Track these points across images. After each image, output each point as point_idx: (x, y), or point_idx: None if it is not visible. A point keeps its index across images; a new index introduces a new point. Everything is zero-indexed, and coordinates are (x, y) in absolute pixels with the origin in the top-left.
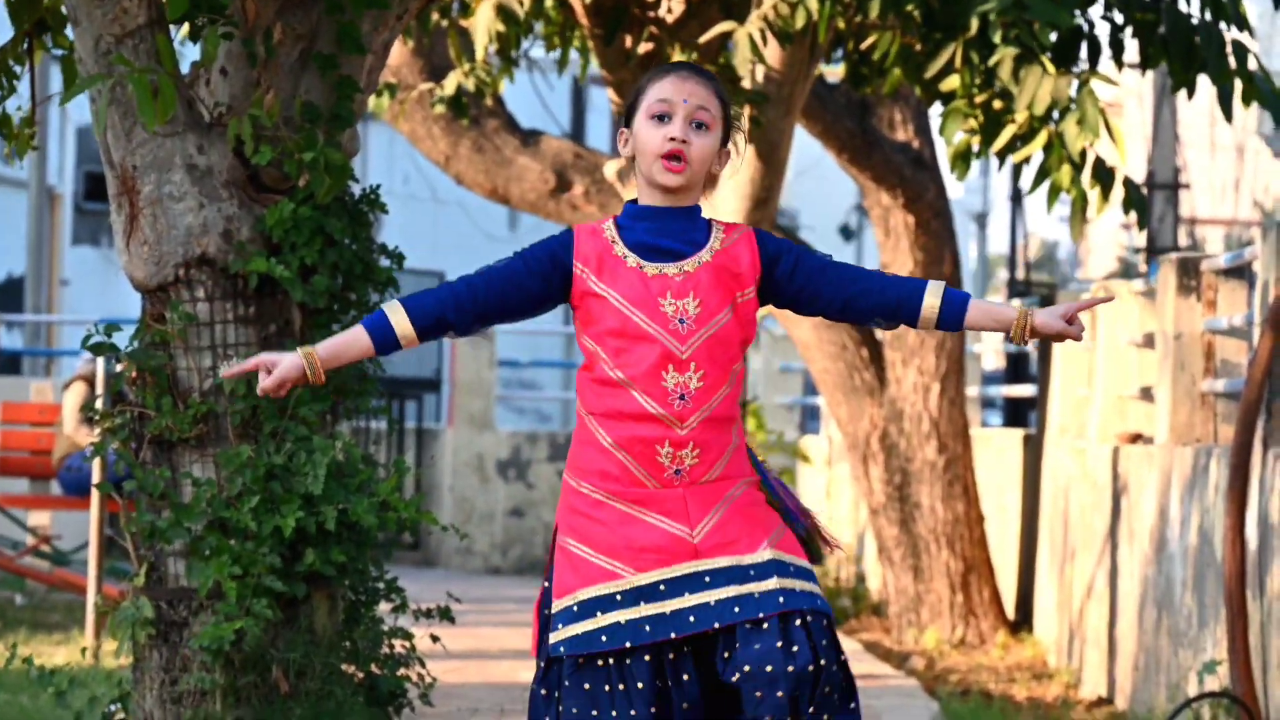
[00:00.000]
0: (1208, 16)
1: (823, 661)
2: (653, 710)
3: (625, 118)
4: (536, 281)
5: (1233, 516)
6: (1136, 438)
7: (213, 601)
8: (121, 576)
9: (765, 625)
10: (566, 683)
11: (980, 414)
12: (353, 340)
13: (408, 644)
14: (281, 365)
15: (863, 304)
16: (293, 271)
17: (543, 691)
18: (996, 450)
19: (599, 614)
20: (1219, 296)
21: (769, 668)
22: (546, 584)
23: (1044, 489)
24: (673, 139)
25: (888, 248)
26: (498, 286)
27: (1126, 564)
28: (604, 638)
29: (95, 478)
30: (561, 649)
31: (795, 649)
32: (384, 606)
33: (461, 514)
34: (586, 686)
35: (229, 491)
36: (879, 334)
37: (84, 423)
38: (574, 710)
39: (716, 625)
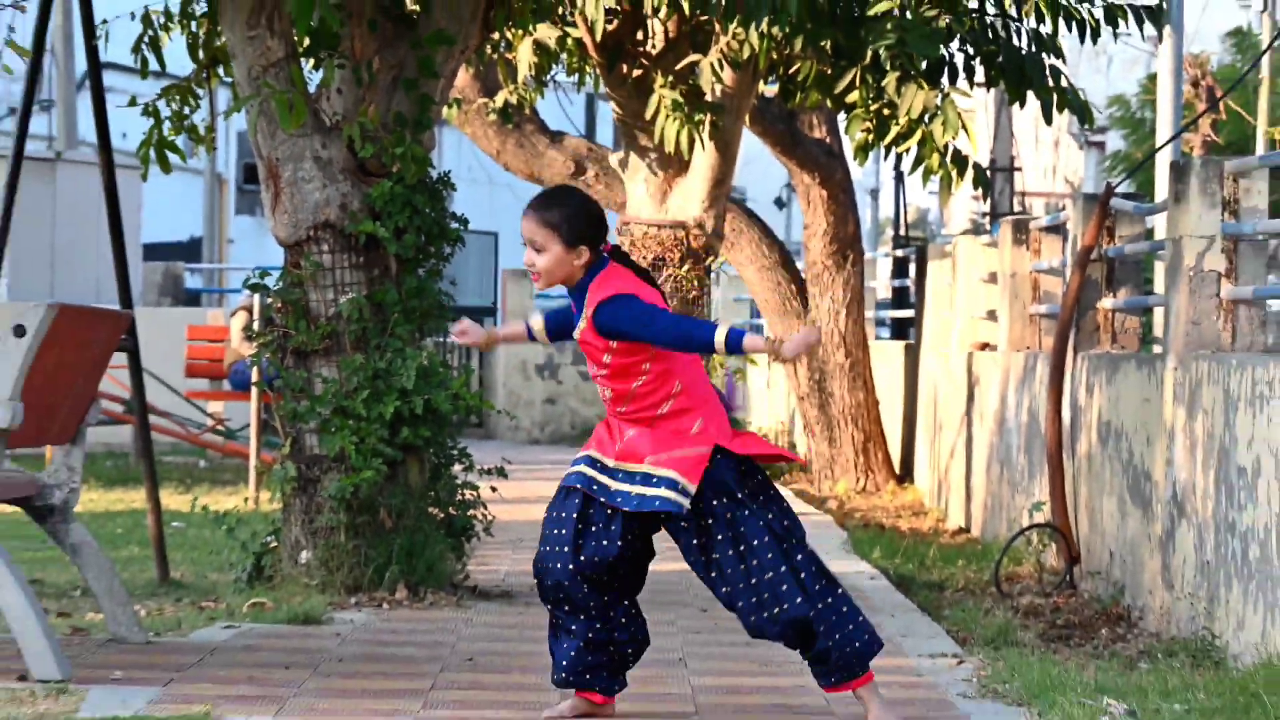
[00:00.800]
0: (1033, 49)
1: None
2: (568, 535)
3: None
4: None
5: (1052, 401)
6: (985, 346)
7: (337, 464)
8: (273, 447)
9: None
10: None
11: (875, 330)
12: (514, 331)
13: (474, 493)
14: (471, 333)
15: (666, 343)
16: (389, 232)
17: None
18: (887, 356)
19: (575, 466)
20: (1042, 247)
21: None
22: None
23: (920, 383)
24: (528, 264)
25: (809, 214)
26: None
27: (978, 435)
28: (568, 478)
29: (254, 378)
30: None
31: (619, 542)
32: (457, 467)
33: (511, 402)
34: (551, 510)
35: (347, 387)
36: (803, 272)
37: (245, 339)
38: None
39: (602, 499)
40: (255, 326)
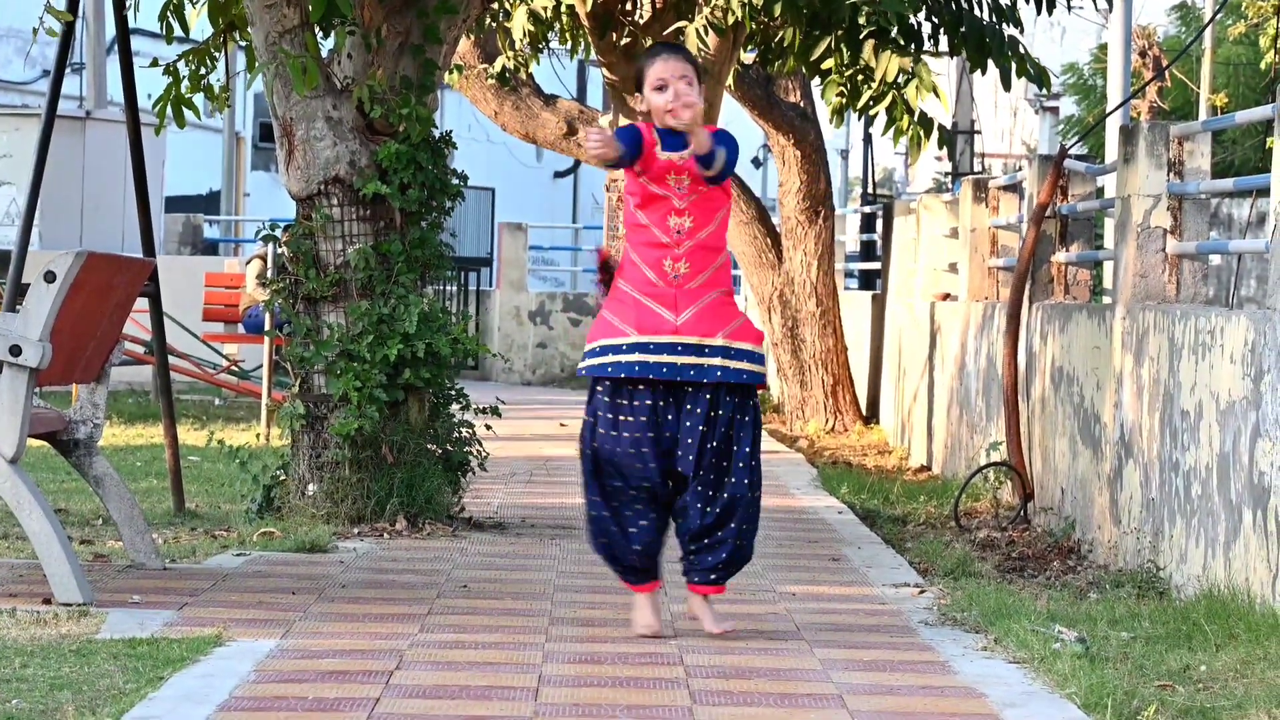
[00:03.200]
0: (993, 19)
1: (716, 439)
2: (645, 421)
3: (638, 86)
4: (634, 141)
5: (1009, 348)
6: (946, 296)
7: (343, 403)
8: (284, 387)
9: (705, 393)
10: (600, 411)
11: (844, 281)
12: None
13: (470, 431)
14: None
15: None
16: (395, 188)
17: (588, 417)
18: (855, 305)
19: (609, 355)
20: (1000, 204)
21: (701, 426)
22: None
23: (886, 330)
24: (670, 101)
25: (784, 172)
26: (636, 136)
27: (940, 379)
28: (609, 369)
29: (266, 323)
30: (582, 372)
31: (716, 413)
32: (455, 407)
33: (505, 346)
34: (608, 398)
35: (353, 331)
36: (778, 227)
37: (259, 286)
38: (599, 411)
39: (678, 379)
40: (269, 274)
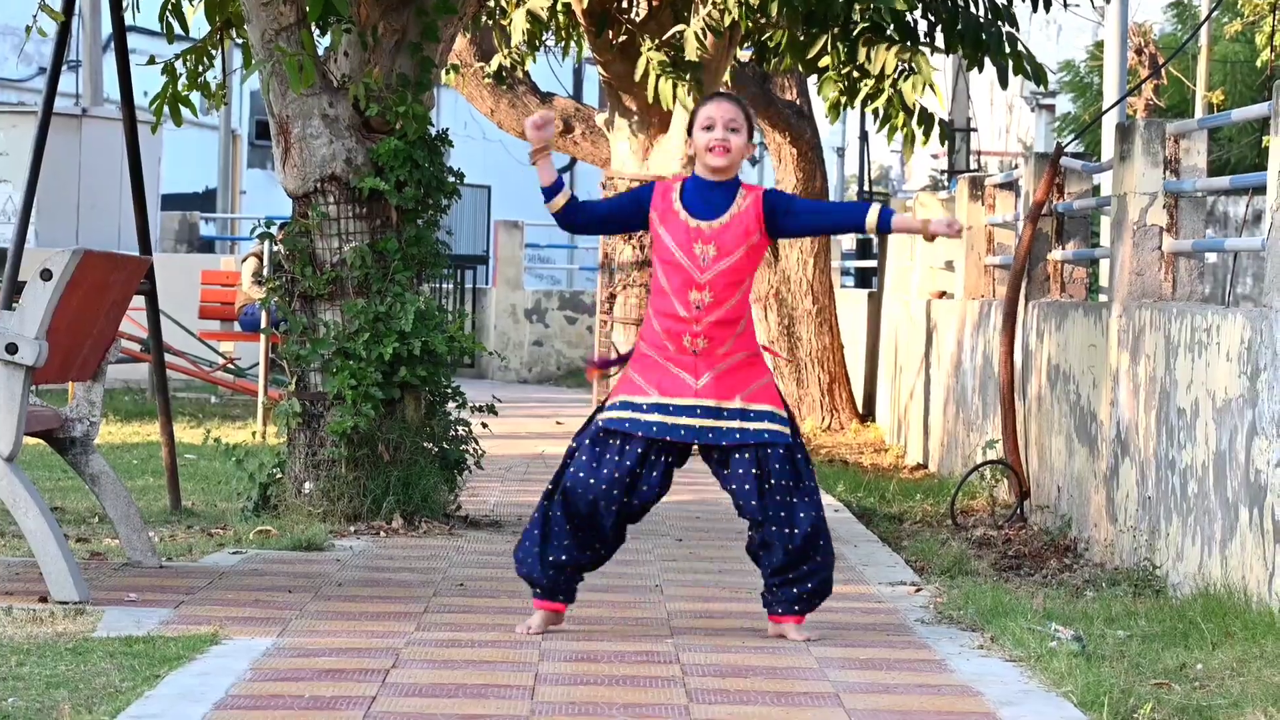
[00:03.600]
0: (990, 17)
1: (775, 482)
2: (627, 466)
3: (689, 129)
4: (632, 210)
5: (1005, 346)
6: (942, 295)
7: (338, 401)
8: (280, 385)
9: (735, 454)
10: (586, 442)
11: (840, 279)
12: (551, 171)
13: (466, 429)
14: (545, 130)
15: (827, 226)
16: (391, 185)
17: (572, 446)
18: (851, 303)
19: (629, 411)
20: (997, 202)
21: (732, 485)
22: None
23: (882, 328)
24: (716, 140)
25: (779, 170)
26: (615, 205)
27: (936, 377)
28: (627, 425)
29: (262, 321)
30: (600, 423)
31: (741, 471)
32: (451, 405)
33: (501, 344)
34: (597, 448)
35: (349, 329)
36: None
37: (255, 284)
38: (583, 459)
39: (696, 441)
40: (265, 272)
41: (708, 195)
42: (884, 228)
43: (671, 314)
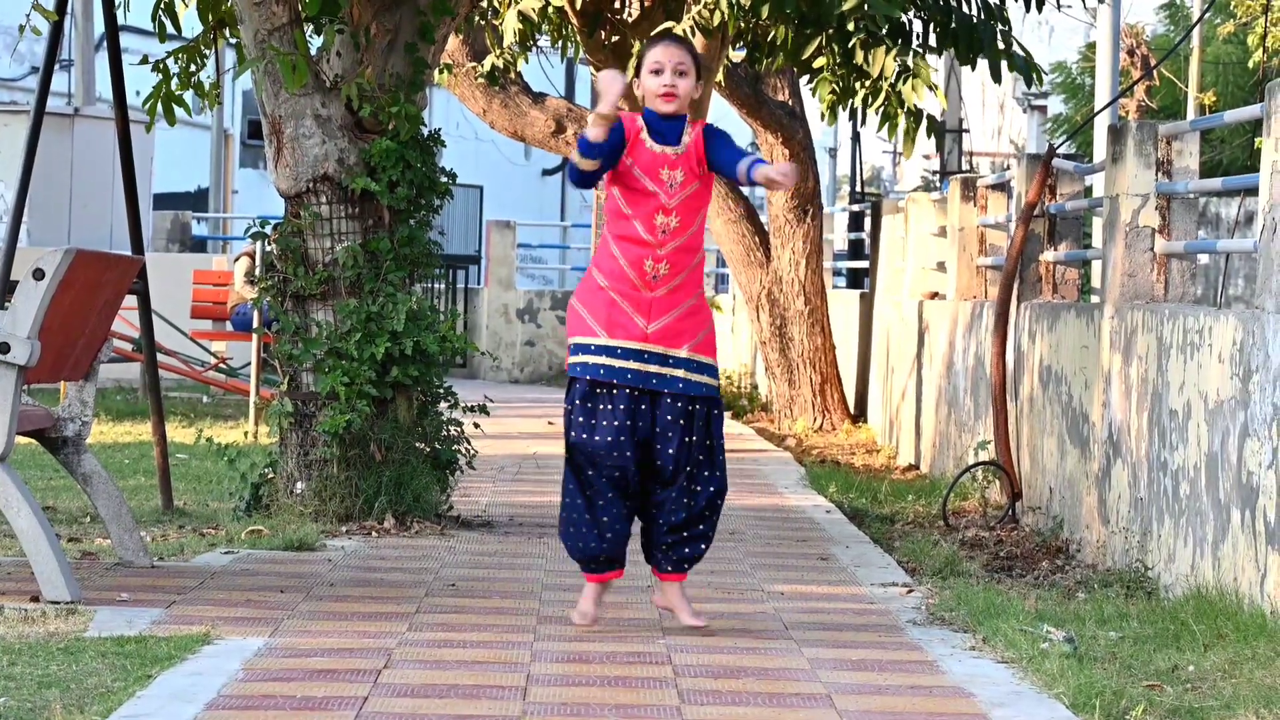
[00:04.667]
0: (982, 17)
1: (694, 437)
2: (623, 411)
3: (637, 71)
4: (619, 145)
5: (997, 347)
6: (934, 295)
7: (331, 401)
8: (272, 385)
9: (666, 399)
10: (577, 401)
11: (832, 280)
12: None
13: (458, 429)
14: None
15: (723, 165)
16: (383, 185)
17: (566, 408)
18: (843, 303)
19: (580, 354)
20: (988, 203)
21: (682, 423)
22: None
23: (874, 329)
24: (665, 85)
25: None
26: (610, 148)
27: (928, 378)
28: (578, 369)
29: (255, 321)
30: (568, 371)
31: (691, 413)
32: (443, 405)
33: (493, 344)
34: (588, 404)
35: (341, 329)
36: (766, 225)
37: (248, 284)
38: (579, 419)
39: (641, 386)
40: (257, 272)
41: (665, 127)
42: (749, 178)
43: (635, 239)
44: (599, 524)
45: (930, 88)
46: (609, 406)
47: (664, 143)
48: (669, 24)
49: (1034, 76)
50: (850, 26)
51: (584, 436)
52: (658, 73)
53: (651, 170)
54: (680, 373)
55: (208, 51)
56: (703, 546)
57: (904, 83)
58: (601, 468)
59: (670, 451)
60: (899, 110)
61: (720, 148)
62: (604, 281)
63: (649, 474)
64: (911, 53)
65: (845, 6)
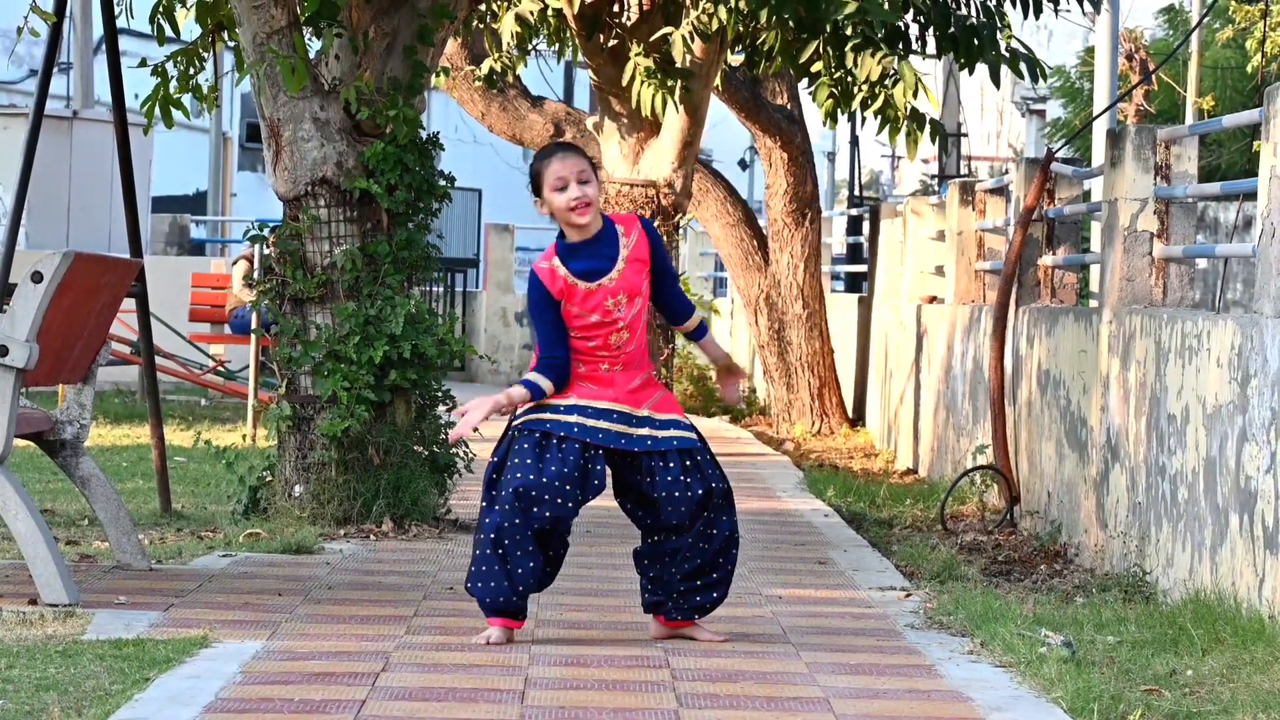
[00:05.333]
0: (980, 19)
1: (706, 469)
2: (574, 460)
3: (536, 192)
4: (558, 311)
5: (995, 351)
6: (933, 299)
7: (329, 405)
8: (270, 388)
9: (657, 461)
10: (520, 447)
11: (830, 284)
12: (521, 396)
13: None
14: (482, 406)
15: (663, 308)
16: (382, 188)
17: (493, 461)
18: (841, 307)
19: (549, 413)
20: (987, 207)
21: (661, 493)
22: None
23: (873, 333)
24: (574, 198)
25: (770, 175)
26: (554, 324)
27: (926, 382)
28: (548, 425)
29: (253, 323)
30: (515, 429)
31: (670, 479)
32: (441, 408)
33: (491, 347)
34: (536, 449)
35: (340, 333)
36: (765, 229)
37: (246, 287)
38: (525, 461)
39: (610, 445)
40: (255, 275)
41: (591, 254)
42: (697, 336)
43: (590, 354)
44: (512, 576)
45: (914, 93)
46: (560, 454)
47: (594, 276)
48: (667, 29)
49: (1039, 72)
50: (848, 31)
51: (530, 478)
52: (563, 189)
53: (596, 308)
54: (644, 430)
55: (206, 55)
56: (715, 595)
57: (892, 86)
58: (533, 516)
59: (683, 508)
60: (899, 114)
61: (666, 278)
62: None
63: (655, 525)
64: (896, 56)
65: (842, 12)
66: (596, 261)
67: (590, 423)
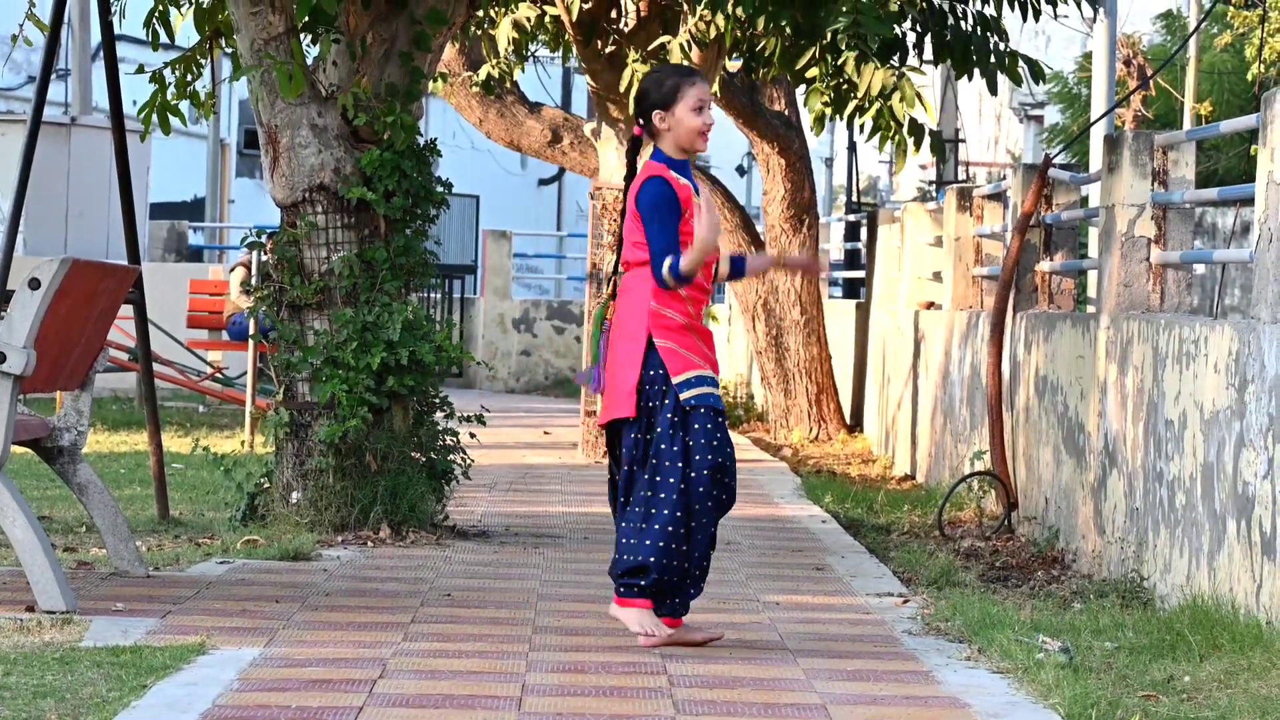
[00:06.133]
0: (978, 29)
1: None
2: None
3: (664, 104)
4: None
5: (993, 357)
6: (930, 305)
7: (327, 411)
8: (268, 394)
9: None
10: (695, 425)
11: (828, 289)
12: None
13: (454, 439)
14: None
15: None
16: (379, 195)
17: (669, 430)
18: (839, 313)
19: (703, 386)
20: (985, 213)
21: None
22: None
23: (870, 338)
24: (708, 123)
25: (768, 181)
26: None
27: (924, 387)
28: (710, 399)
29: (251, 330)
30: (692, 401)
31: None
32: (439, 414)
33: (489, 353)
34: (715, 427)
35: (338, 339)
36: (762, 235)
37: (244, 293)
38: (702, 441)
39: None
40: (253, 281)
41: (689, 175)
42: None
43: (699, 285)
44: (690, 559)
45: (911, 105)
46: (724, 434)
47: (697, 193)
48: (665, 38)
49: (1038, 74)
50: (843, 45)
51: (719, 460)
52: (700, 110)
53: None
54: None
55: (204, 61)
56: (693, 591)
57: (890, 97)
58: (718, 496)
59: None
60: (892, 124)
61: None
62: (681, 320)
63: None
64: (896, 70)
65: (839, 25)
66: (695, 185)
67: (717, 391)
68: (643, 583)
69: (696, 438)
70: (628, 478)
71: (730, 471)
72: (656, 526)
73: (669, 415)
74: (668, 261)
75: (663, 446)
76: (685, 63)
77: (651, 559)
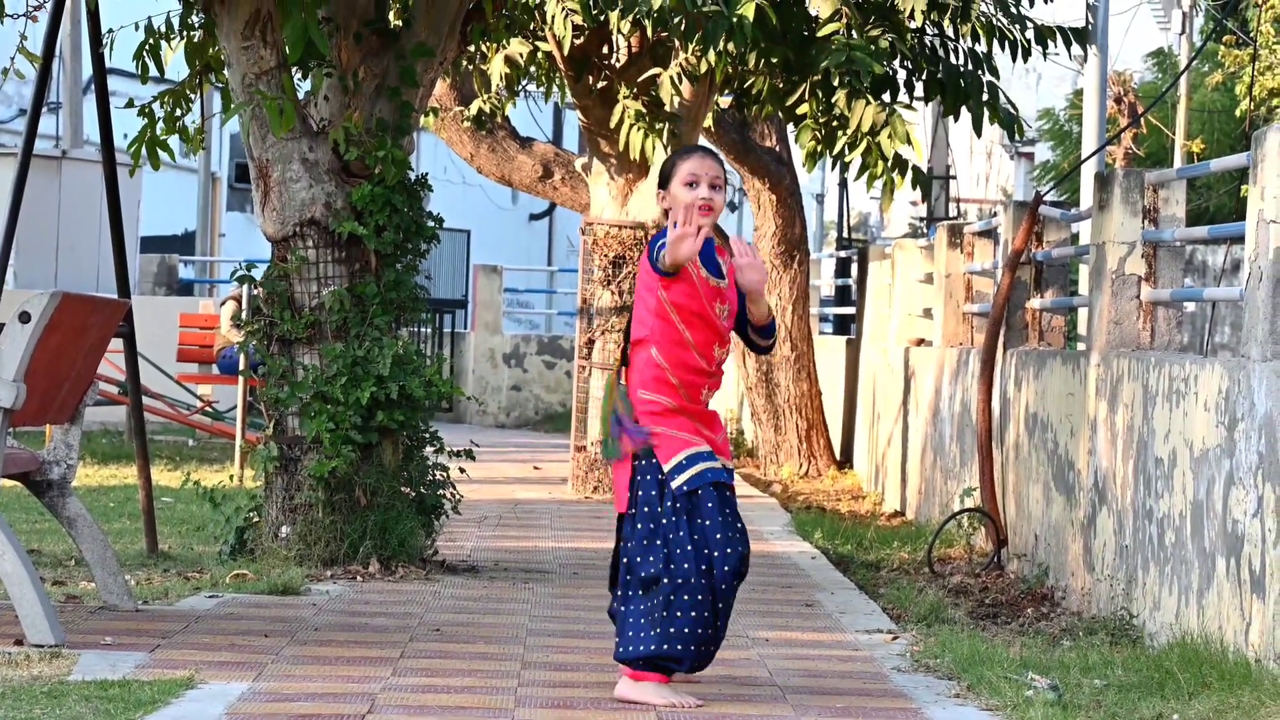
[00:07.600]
0: (970, 67)
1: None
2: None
3: (664, 183)
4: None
5: (983, 394)
6: (921, 341)
7: (316, 445)
8: (257, 428)
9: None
10: (709, 504)
11: (819, 325)
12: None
13: (444, 473)
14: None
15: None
16: (370, 229)
17: (672, 517)
18: (830, 349)
19: (704, 461)
20: (975, 249)
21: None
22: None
23: (861, 375)
24: (701, 198)
25: (759, 216)
26: None
27: (914, 424)
28: (709, 475)
29: (241, 364)
30: (684, 487)
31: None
32: (428, 449)
33: (479, 388)
34: (720, 504)
35: (327, 373)
36: None
37: (234, 327)
38: (718, 530)
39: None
40: (243, 315)
41: (711, 253)
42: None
43: (695, 367)
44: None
45: (901, 142)
46: (730, 510)
47: (714, 274)
48: (655, 70)
49: (1016, 130)
50: (835, 81)
51: (732, 551)
52: (693, 185)
53: (710, 301)
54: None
55: (193, 96)
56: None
57: (880, 134)
58: (738, 579)
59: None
60: (880, 161)
61: (742, 300)
62: (670, 404)
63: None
64: (887, 106)
65: (830, 62)
66: (715, 265)
67: (720, 464)
68: (673, 669)
69: (711, 531)
70: (632, 555)
71: (748, 547)
72: (679, 614)
73: (670, 503)
74: (660, 242)
75: (671, 535)
76: (676, 97)
77: (683, 648)
